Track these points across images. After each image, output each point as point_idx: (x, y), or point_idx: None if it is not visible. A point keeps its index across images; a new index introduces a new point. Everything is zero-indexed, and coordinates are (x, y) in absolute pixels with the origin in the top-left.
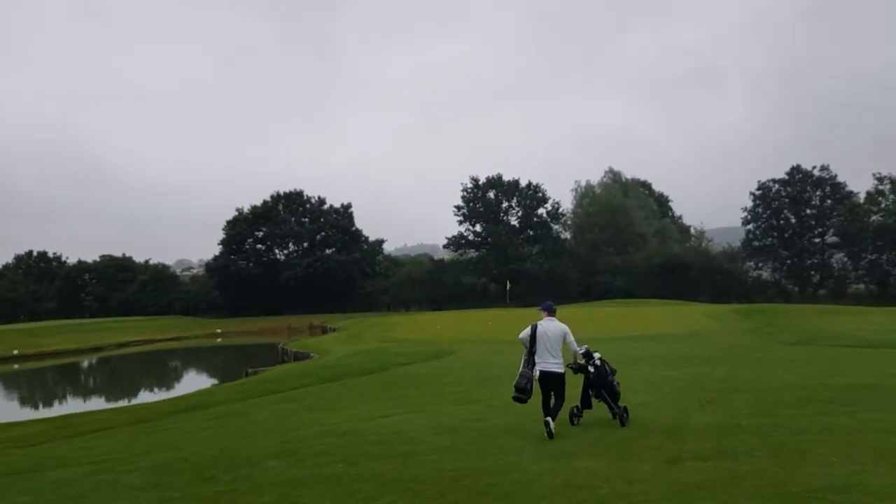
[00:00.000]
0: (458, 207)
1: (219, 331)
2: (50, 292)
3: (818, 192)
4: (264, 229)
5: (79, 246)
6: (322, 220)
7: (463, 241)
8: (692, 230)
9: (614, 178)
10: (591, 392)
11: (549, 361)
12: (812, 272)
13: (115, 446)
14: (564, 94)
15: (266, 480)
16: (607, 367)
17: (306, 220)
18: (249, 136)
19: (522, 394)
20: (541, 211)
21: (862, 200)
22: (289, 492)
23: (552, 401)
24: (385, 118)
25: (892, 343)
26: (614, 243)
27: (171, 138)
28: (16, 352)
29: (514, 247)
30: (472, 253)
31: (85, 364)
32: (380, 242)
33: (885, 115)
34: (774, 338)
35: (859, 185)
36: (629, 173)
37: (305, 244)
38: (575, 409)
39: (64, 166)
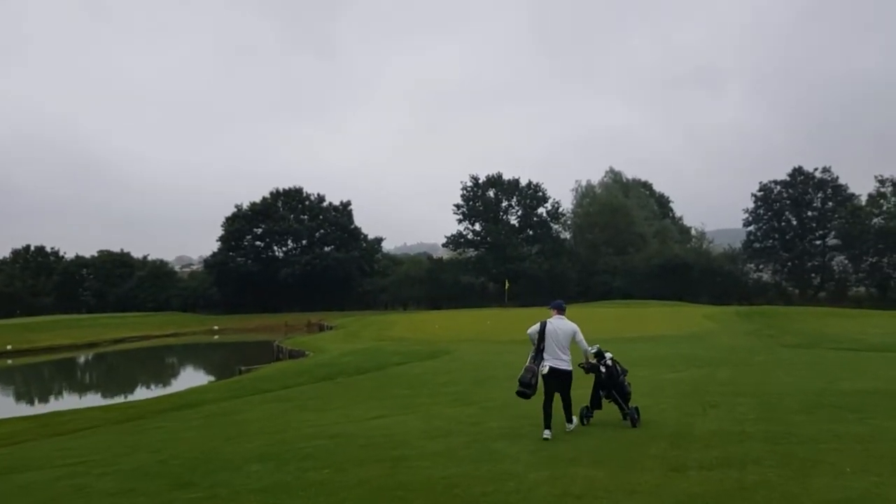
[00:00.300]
0: (458, 206)
1: (216, 327)
2: (47, 287)
3: (819, 194)
4: (263, 226)
5: (78, 245)
6: (321, 217)
7: (462, 240)
8: (693, 231)
9: (615, 178)
10: (601, 392)
11: (558, 359)
12: (813, 274)
13: (97, 446)
14: (564, 94)
15: (246, 486)
16: (618, 368)
17: (305, 217)
18: (249, 135)
19: (527, 388)
20: (541, 210)
21: (864, 203)
22: (269, 500)
23: (553, 403)
24: (385, 117)
25: None
26: (614, 243)
27: (171, 137)
28: (9, 347)
29: (514, 246)
30: (471, 252)
31: (80, 360)
32: (379, 241)
33: (887, 115)
34: (776, 340)
35: (861, 187)
36: (630, 174)
37: (304, 241)
38: (585, 410)
39: (64, 165)
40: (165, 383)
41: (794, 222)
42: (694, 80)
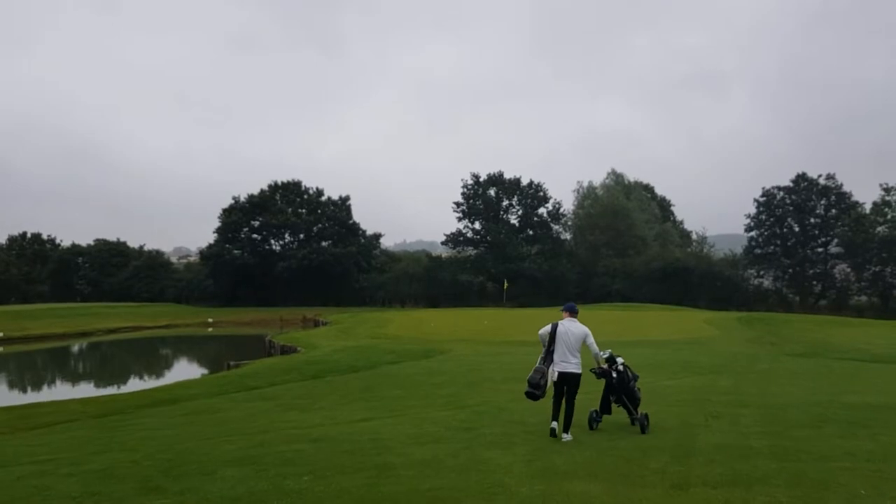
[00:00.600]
0: (458, 204)
1: (210, 320)
2: (43, 275)
3: (823, 201)
4: (261, 219)
5: (75, 233)
6: (319, 211)
7: (461, 239)
8: (694, 235)
9: (616, 179)
10: (611, 397)
11: (568, 362)
12: (814, 282)
13: (69, 443)
14: (566, 95)
15: (217, 494)
16: (629, 373)
17: (303, 211)
18: (250, 127)
19: (535, 389)
20: (541, 210)
21: (868, 211)
22: None
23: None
24: (386, 113)
25: None
26: (614, 245)
27: (173, 127)
28: (1, 334)
29: (513, 246)
30: (470, 251)
31: (72, 349)
32: (377, 237)
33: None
34: (778, 348)
35: (865, 195)
36: (631, 176)
37: (302, 235)
38: (594, 414)
39: (64, 152)
40: (153, 376)
41: (797, 229)
42: (698, 83)
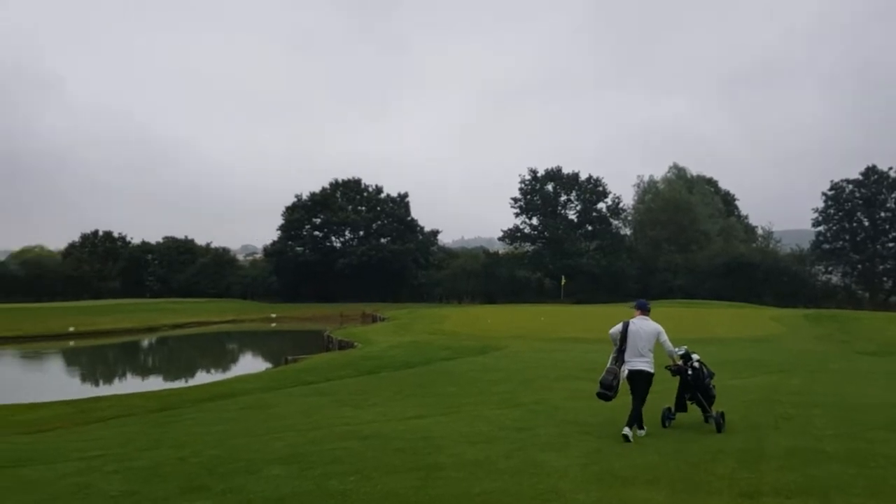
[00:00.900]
0: (515, 199)
1: (273, 315)
2: (114, 272)
3: (894, 195)
4: (322, 216)
5: (145, 231)
6: (378, 208)
7: (518, 235)
8: (759, 230)
9: (679, 173)
10: (686, 395)
11: (640, 360)
12: (884, 278)
13: (121, 438)
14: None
15: (261, 494)
16: (705, 370)
17: (363, 208)
18: (312, 124)
19: (608, 390)
20: (600, 205)
21: None
22: None
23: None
24: (446, 110)
25: None
26: (676, 241)
27: (239, 127)
28: (71, 329)
29: (571, 241)
30: (527, 246)
31: (141, 344)
32: (435, 233)
33: None
34: (849, 346)
35: None
36: (694, 170)
37: (361, 232)
38: (667, 412)
39: (135, 150)
40: (216, 370)
41: (867, 223)
42: (762, 75)
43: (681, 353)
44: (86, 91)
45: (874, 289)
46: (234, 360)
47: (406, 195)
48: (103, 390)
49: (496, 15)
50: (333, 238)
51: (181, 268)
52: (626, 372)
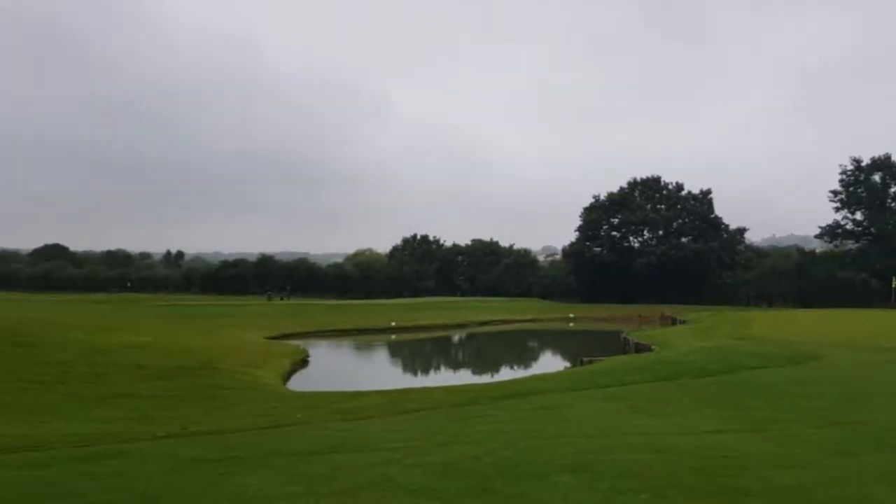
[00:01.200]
0: (835, 193)
1: (571, 315)
2: (429, 272)
3: None
4: (619, 216)
5: (456, 234)
6: (679, 207)
7: (839, 231)
8: None
9: None
10: None
11: None
12: None
13: (423, 431)
14: None
15: (546, 503)
16: None
17: (662, 207)
18: (610, 124)
19: None
20: None
21: None
22: None
23: None
24: (753, 98)
25: None
26: None
27: (537, 128)
28: (393, 323)
29: None
30: (849, 244)
31: (452, 339)
32: (741, 231)
33: None
34: None
35: None
36: None
37: (660, 232)
38: None
39: (448, 157)
40: (512, 367)
41: None
42: None
43: None
44: (410, 107)
45: None
46: (532, 358)
47: (709, 192)
48: (415, 382)
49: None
50: (631, 238)
51: (487, 268)
52: None
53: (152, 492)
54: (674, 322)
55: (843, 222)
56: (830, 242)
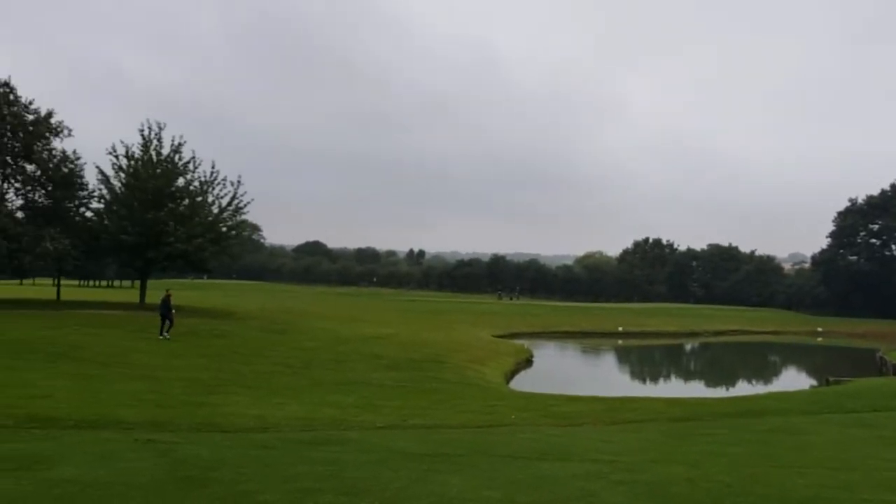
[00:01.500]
0: None
1: (819, 329)
2: (661, 276)
3: None
4: (880, 222)
5: (690, 237)
6: None
7: None
8: None
9: None
10: None
11: None
12: None
13: (636, 445)
14: None
15: None
16: None
17: None
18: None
19: None
20: None
21: None
22: None
23: None
24: None
25: None
26: None
27: (784, 127)
28: (620, 328)
29: None
30: None
31: (683, 347)
32: None
33: None
34: None
35: None
36: None
37: None
38: None
39: (683, 158)
40: (746, 382)
41: None
42: None
43: None
44: (646, 108)
45: None
46: (770, 374)
47: None
48: (637, 390)
49: None
50: (894, 246)
51: (724, 275)
52: None
53: (359, 483)
54: None
55: None
56: None
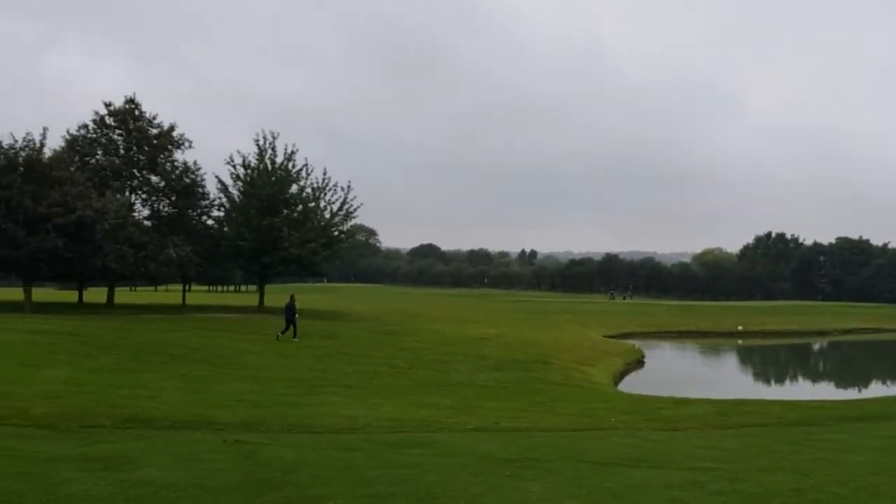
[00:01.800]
0: None
1: None
2: (785, 272)
3: None
4: None
5: (816, 231)
6: None
7: None
8: None
9: None
10: None
11: None
12: None
13: (742, 451)
14: None
15: None
16: None
17: None
18: None
19: None
20: None
21: None
22: None
23: None
24: None
25: None
26: None
27: None
28: (740, 327)
29: None
30: None
31: (810, 347)
32: None
33: None
34: None
35: None
36: None
37: None
38: None
39: (809, 150)
40: (876, 383)
41: None
42: None
43: None
44: (764, 101)
45: None
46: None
47: None
48: (753, 392)
49: None
50: None
51: (854, 269)
52: None
53: (435, 488)
54: None
55: None
56: None
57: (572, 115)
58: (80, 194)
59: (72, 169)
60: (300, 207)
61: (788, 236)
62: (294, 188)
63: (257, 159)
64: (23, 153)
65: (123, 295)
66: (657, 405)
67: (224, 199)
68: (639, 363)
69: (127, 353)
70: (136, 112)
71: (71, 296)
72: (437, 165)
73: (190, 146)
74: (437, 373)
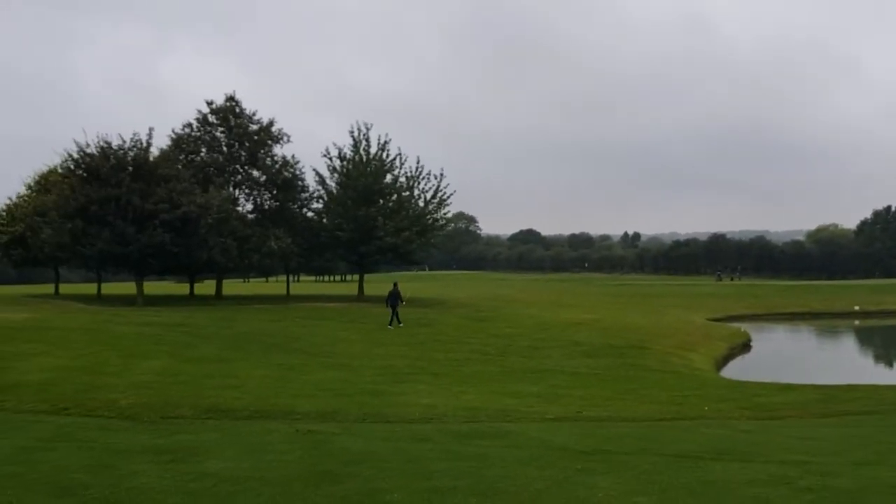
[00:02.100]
0: None
1: None
2: None
3: None
4: None
5: None
6: None
7: None
8: None
9: None
10: None
11: None
12: None
13: (841, 442)
14: None
15: None
16: None
17: None
18: None
19: None
20: None
21: None
22: None
23: None
24: None
25: None
26: None
27: None
28: (856, 307)
29: None
30: None
31: None
32: None
33: None
34: None
35: None
36: None
37: None
38: None
39: None
40: None
41: None
42: None
43: None
44: (884, 67)
45: None
46: None
47: None
48: (867, 377)
49: None
50: None
51: None
52: None
53: (497, 482)
54: None
55: None
56: None
57: (677, 94)
58: (185, 190)
59: (178, 167)
60: (395, 197)
61: None
62: (388, 178)
63: (352, 151)
64: (131, 153)
65: (235, 286)
66: (756, 392)
67: (322, 191)
68: (745, 347)
69: (227, 343)
70: (237, 109)
71: (183, 289)
72: (538, 150)
73: (288, 140)
74: (527, 359)
